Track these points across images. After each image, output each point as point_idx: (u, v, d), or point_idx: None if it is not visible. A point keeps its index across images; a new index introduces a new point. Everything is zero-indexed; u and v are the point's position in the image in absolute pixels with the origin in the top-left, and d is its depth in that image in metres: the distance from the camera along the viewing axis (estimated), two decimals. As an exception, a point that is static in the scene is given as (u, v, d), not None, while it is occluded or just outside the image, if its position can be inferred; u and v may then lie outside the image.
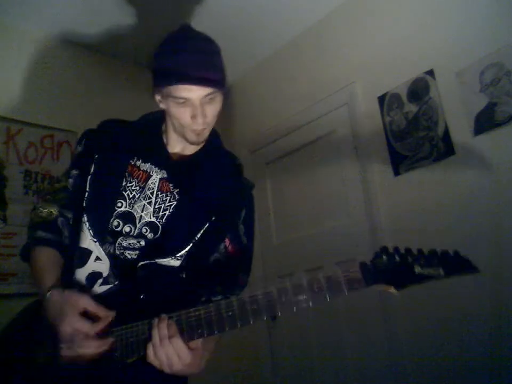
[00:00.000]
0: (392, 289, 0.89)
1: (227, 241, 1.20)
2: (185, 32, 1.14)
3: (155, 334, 0.94)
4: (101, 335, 0.98)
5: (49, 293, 1.03)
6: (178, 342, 0.93)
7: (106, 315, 0.99)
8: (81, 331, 0.96)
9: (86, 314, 0.99)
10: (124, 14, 2.49)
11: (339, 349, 2.39)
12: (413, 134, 2.19)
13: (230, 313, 0.94)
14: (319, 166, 2.64)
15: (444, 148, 2.06)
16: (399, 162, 2.22)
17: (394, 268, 0.89)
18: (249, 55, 2.98)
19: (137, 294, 1.06)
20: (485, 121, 1.93)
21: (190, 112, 1.09)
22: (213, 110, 1.12)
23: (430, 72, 2.14)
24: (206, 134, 1.16)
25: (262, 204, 2.96)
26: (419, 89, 2.18)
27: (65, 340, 0.97)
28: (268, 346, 2.77)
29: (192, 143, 1.16)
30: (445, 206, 2.00)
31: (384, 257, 0.89)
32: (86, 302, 1.00)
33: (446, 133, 2.05)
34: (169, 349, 0.92)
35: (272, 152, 2.96)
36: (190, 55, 1.07)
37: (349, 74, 2.49)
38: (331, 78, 2.59)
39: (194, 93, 1.06)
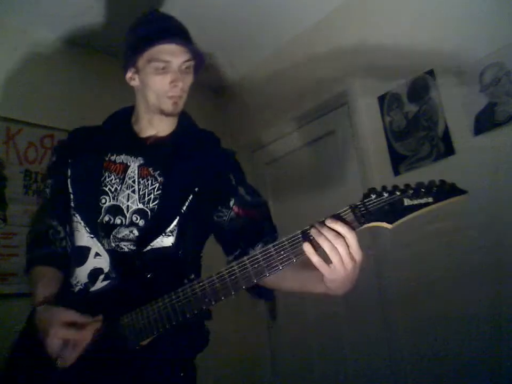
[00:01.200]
0: (385, 225, 0.89)
1: (235, 208, 1.20)
2: (156, 11, 1.26)
3: (322, 238, 0.87)
4: (93, 343, 0.98)
5: (37, 308, 1.05)
6: (352, 235, 0.87)
7: (93, 321, 1.00)
8: (68, 338, 0.97)
9: (73, 326, 0.99)
10: (124, 14, 2.49)
11: (339, 349, 2.39)
12: (413, 134, 2.19)
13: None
14: (319, 166, 2.64)
15: (444, 148, 2.06)
16: (399, 162, 2.22)
17: (383, 205, 0.89)
18: (249, 55, 2.98)
19: (137, 281, 1.07)
20: (485, 121, 1.93)
21: (169, 78, 1.14)
22: (187, 79, 1.18)
23: (430, 72, 2.13)
24: (181, 105, 1.20)
25: (262, 203, 2.96)
26: (419, 89, 2.17)
27: (55, 352, 0.97)
28: (268, 346, 2.78)
29: (168, 114, 1.19)
30: (445, 206, 2.00)
31: (373, 196, 0.89)
32: (70, 314, 1.00)
33: (446, 133, 2.05)
34: (342, 249, 0.87)
35: (272, 152, 2.96)
36: (167, 21, 1.17)
37: (349, 74, 2.49)
38: (331, 78, 2.59)
39: (175, 56, 1.13)
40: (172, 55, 1.13)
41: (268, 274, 0.93)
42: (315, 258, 0.88)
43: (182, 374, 1.09)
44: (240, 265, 0.95)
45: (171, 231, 1.12)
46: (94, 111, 2.55)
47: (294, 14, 2.62)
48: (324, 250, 0.89)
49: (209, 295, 0.97)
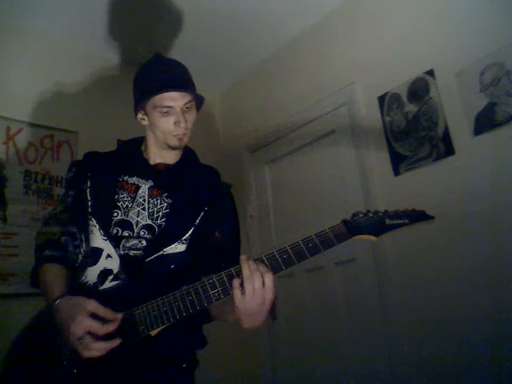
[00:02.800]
0: (371, 237, 1.11)
1: (217, 234, 1.34)
2: (159, 57, 1.38)
3: (246, 267, 1.04)
4: (108, 337, 1.04)
5: (57, 302, 1.11)
6: (270, 275, 1.05)
7: (114, 317, 1.07)
8: (91, 331, 1.03)
9: (95, 317, 1.06)
10: (124, 16, 2.49)
11: (339, 349, 2.39)
12: (413, 134, 2.19)
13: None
14: (319, 166, 2.64)
15: (444, 148, 2.06)
16: (399, 162, 2.22)
17: (370, 222, 1.11)
18: (249, 55, 2.98)
19: (146, 282, 1.16)
20: (485, 121, 1.93)
21: (173, 119, 1.29)
22: (190, 117, 1.33)
23: (430, 72, 2.14)
24: (186, 139, 1.35)
25: (262, 203, 2.97)
26: (419, 89, 2.18)
27: (74, 341, 1.03)
28: (268, 346, 2.77)
29: (174, 148, 1.35)
30: (445, 206, 2.00)
31: (361, 215, 1.12)
32: (94, 305, 1.07)
33: (446, 133, 2.06)
34: (256, 281, 1.03)
35: (272, 152, 2.96)
36: (168, 70, 1.31)
37: (349, 74, 2.49)
38: (331, 78, 2.59)
39: (176, 101, 1.28)
40: (174, 101, 1.28)
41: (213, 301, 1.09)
42: (235, 289, 1.05)
43: (184, 365, 1.20)
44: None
45: (186, 239, 1.26)
46: (94, 111, 2.57)
47: (294, 14, 2.62)
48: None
49: (219, 288, 1.09)
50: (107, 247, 1.23)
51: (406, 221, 1.14)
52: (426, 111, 2.14)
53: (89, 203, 1.29)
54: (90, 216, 1.28)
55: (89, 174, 1.34)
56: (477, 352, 1.84)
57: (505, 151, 1.86)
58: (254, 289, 1.03)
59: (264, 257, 1.08)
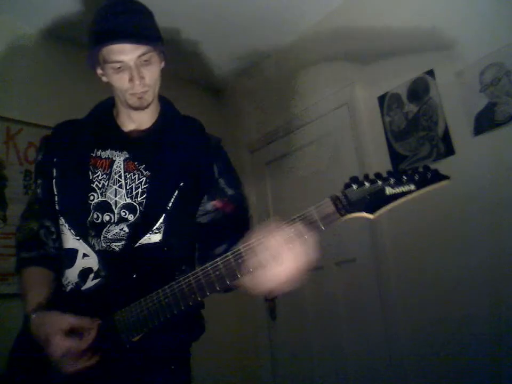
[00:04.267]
0: (367, 215, 0.89)
1: (213, 202, 1.19)
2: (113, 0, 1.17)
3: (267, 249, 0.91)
4: (93, 345, 0.98)
5: (31, 316, 1.04)
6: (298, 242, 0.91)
7: (91, 325, 1.00)
8: (71, 350, 0.96)
9: (72, 331, 0.99)
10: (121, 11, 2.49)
11: (339, 349, 2.39)
12: (413, 134, 2.19)
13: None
14: (319, 166, 2.64)
15: (443, 148, 2.06)
16: (399, 162, 2.22)
17: (365, 195, 0.89)
18: (249, 55, 2.98)
19: (127, 278, 1.06)
20: (485, 121, 1.93)
21: (127, 76, 1.11)
22: (150, 71, 1.13)
23: (430, 72, 2.13)
24: (149, 97, 1.16)
25: (262, 203, 2.97)
26: (419, 89, 2.17)
27: (56, 360, 0.97)
28: (268, 346, 2.77)
29: (135, 108, 1.17)
30: (445, 206, 2.00)
31: (354, 185, 0.90)
32: (68, 322, 0.99)
33: (446, 133, 2.05)
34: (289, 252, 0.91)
35: (272, 152, 2.96)
36: (119, 15, 1.11)
37: (349, 74, 2.49)
38: (331, 78, 2.59)
39: (127, 54, 1.09)
40: (123, 53, 1.09)
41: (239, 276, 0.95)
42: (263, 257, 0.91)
43: (172, 367, 1.09)
44: (224, 260, 0.96)
45: (158, 228, 1.11)
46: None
47: (294, 14, 2.62)
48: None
49: (196, 290, 0.97)
50: (81, 247, 1.11)
51: (412, 187, 0.88)
52: (426, 111, 2.14)
53: (56, 198, 1.15)
54: (59, 215, 1.15)
55: (55, 159, 1.18)
56: (477, 352, 1.84)
57: (505, 151, 1.86)
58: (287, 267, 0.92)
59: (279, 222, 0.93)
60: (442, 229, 2.02)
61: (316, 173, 2.64)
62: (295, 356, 2.61)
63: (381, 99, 2.33)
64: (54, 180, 1.17)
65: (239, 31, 2.71)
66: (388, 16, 2.35)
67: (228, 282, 0.95)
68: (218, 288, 0.97)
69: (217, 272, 0.96)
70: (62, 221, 1.15)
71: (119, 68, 1.11)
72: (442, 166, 2.02)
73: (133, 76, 1.11)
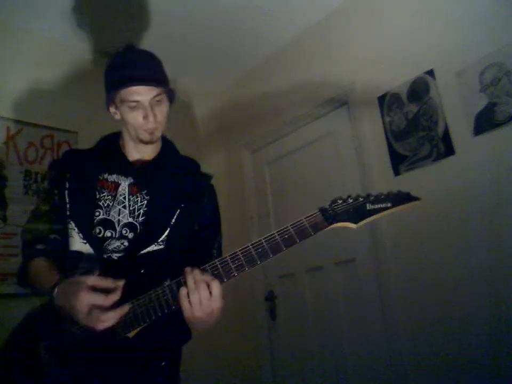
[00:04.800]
0: (350, 225, 1.07)
1: (197, 227, 1.34)
2: (129, 48, 1.36)
3: (190, 278, 1.03)
4: (116, 305, 1.05)
5: (55, 288, 1.10)
6: (216, 284, 1.03)
7: (116, 284, 1.07)
8: (96, 304, 1.02)
9: (96, 290, 1.05)
10: (122, 14, 2.49)
11: (339, 349, 2.39)
12: (413, 134, 2.19)
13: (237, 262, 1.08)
14: (319, 166, 2.64)
15: (443, 148, 2.06)
16: (399, 162, 2.22)
17: (349, 208, 1.07)
18: (249, 54, 2.98)
19: (127, 277, 1.13)
20: (485, 121, 1.93)
21: (142, 114, 1.26)
22: (161, 110, 1.30)
23: (430, 72, 2.14)
24: (159, 133, 1.32)
25: (262, 203, 2.97)
26: (419, 89, 2.18)
27: (84, 318, 1.03)
28: (268, 346, 2.77)
29: (146, 142, 1.31)
30: (445, 206, 2.00)
31: (340, 201, 1.08)
32: (92, 279, 1.06)
33: (446, 133, 2.06)
34: (202, 292, 1.02)
35: (272, 152, 2.96)
36: (135, 63, 1.28)
37: (349, 74, 2.49)
38: (331, 78, 2.59)
39: (143, 95, 1.25)
40: (140, 95, 1.25)
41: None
42: (182, 299, 1.04)
43: (163, 363, 1.19)
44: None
45: (162, 241, 1.25)
46: (94, 111, 2.56)
47: (294, 14, 2.62)
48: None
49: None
50: (86, 250, 1.22)
51: (389, 204, 1.06)
52: (426, 111, 2.14)
53: (67, 206, 1.28)
54: (69, 220, 1.26)
55: (67, 175, 1.32)
56: (477, 352, 1.84)
57: (505, 151, 1.86)
58: (200, 301, 1.02)
59: (208, 267, 1.06)
60: (442, 229, 2.02)
61: (316, 173, 2.65)
62: (295, 356, 2.62)
63: (381, 99, 2.33)
64: (66, 191, 1.29)
65: (239, 30, 2.71)
66: (388, 15, 2.36)
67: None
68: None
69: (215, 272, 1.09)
70: (72, 225, 1.25)
71: (135, 106, 1.26)
72: (442, 166, 2.05)
73: (147, 113, 1.26)
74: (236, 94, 3.25)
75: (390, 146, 2.27)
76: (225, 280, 1.05)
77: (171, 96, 1.35)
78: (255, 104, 3.06)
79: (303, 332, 2.59)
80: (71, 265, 1.21)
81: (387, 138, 2.29)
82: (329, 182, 2.54)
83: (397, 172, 2.22)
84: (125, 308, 1.06)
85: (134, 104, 1.25)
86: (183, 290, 1.04)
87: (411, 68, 2.20)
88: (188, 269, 1.05)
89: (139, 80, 1.24)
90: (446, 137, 2.05)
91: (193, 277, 1.04)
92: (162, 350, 1.20)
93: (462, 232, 1.95)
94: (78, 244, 1.23)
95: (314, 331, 2.53)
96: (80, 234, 1.23)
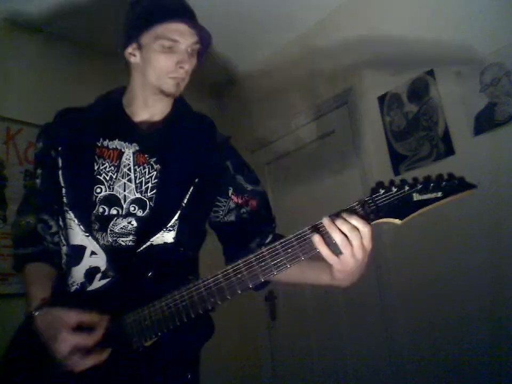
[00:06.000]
0: (395, 221, 0.88)
1: (233, 197, 1.17)
2: None
3: (335, 231, 0.87)
4: (101, 344, 0.94)
5: (34, 313, 1.00)
6: (367, 228, 0.87)
7: (100, 320, 0.95)
8: (79, 346, 0.92)
9: (79, 328, 0.95)
10: (122, 15, 2.49)
11: (339, 349, 2.39)
12: (413, 134, 2.19)
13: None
14: (319, 166, 2.64)
15: (444, 148, 2.06)
16: (399, 162, 2.22)
17: (393, 200, 0.88)
18: (249, 54, 2.98)
19: (138, 278, 1.01)
20: (485, 121, 1.93)
21: (176, 59, 1.09)
22: (193, 62, 1.14)
23: (430, 72, 2.13)
24: (182, 87, 1.15)
25: (262, 203, 2.97)
26: (419, 89, 2.17)
27: (62, 359, 0.92)
28: (268, 346, 2.77)
29: (168, 94, 1.13)
30: (445, 206, 2.00)
31: (381, 190, 0.89)
32: (75, 317, 0.95)
33: (446, 133, 2.05)
34: (355, 242, 0.87)
35: (272, 152, 2.96)
36: (178, 0, 1.12)
37: (349, 74, 2.49)
38: (331, 78, 2.59)
39: (184, 37, 1.09)
40: (181, 35, 1.09)
41: (275, 273, 0.91)
42: (324, 250, 0.88)
43: (189, 376, 1.04)
44: (246, 263, 0.93)
45: (172, 226, 1.06)
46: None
47: (294, 14, 2.62)
48: (332, 242, 0.88)
49: (215, 294, 0.93)
50: (90, 243, 1.05)
51: (440, 194, 0.88)
52: (426, 111, 2.14)
53: (64, 190, 1.08)
54: (67, 209, 1.07)
55: (59, 148, 1.12)
56: (477, 352, 1.84)
57: (505, 151, 1.86)
58: (353, 251, 0.87)
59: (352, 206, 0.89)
60: (442, 229, 2.02)
61: (316, 173, 2.65)
62: (295, 356, 2.61)
63: (381, 99, 2.33)
64: (60, 171, 1.10)
65: (239, 30, 2.71)
66: (388, 15, 2.36)
67: (249, 286, 0.93)
68: (239, 292, 0.93)
69: (239, 275, 0.93)
70: (70, 215, 1.07)
71: (171, 48, 1.09)
72: (442, 166, 2.04)
73: (182, 59, 1.10)
74: (236, 93, 3.25)
75: (390, 146, 2.27)
76: (371, 220, 0.88)
77: (201, 52, 1.19)
78: (255, 103, 3.06)
79: (303, 332, 2.59)
80: (74, 261, 1.06)
81: (387, 138, 2.29)
82: (329, 182, 2.54)
83: (397, 172, 2.22)
84: (107, 352, 0.92)
85: (171, 44, 1.08)
86: (319, 243, 0.87)
87: (411, 68, 2.20)
88: (326, 221, 0.88)
89: (185, 18, 1.09)
90: (446, 137, 2.05)
91: (338, 228, 0.87)
92: (185, 359, 1.04)
93: (462, 232, 1.95)
94: (80, 237, 1.05)
95: (314, 331, 2.53)
96: (81, 226, 1.05)
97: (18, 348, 1.06)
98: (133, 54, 1.14)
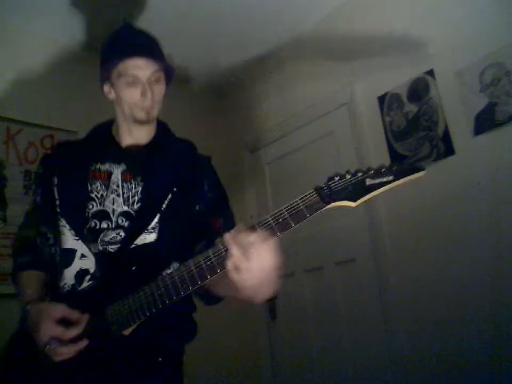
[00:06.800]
0: (349, 203, 0.96)
1: (200, 210, 1.28)
2: (127, 24, 1.33)
3: (234, 247, 0.92)
4: (76, 339, 1.04)
5: (26, 307, 1.12)
6: (265, 245, 0.92)
7: (81, 317, 1.06)
8: (55, 336, 1.03)
9: (63, 321, 1.06)
10: (123, 13, 2.49)
11: (339, 349, 2.39)
12: (413, 134, 2.19)
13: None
14: (319, 166, 2.64)
15: (443, 148, 2.06)
16: (399, 162, 2.22)
17: (346, 185, 0.97)
18: (248, 54, 2.98)
19: (121, 274, 1.13)
20: (485, 121, 1.93)
21: (139, 90, 1.22)
22: (159, 89, 1.26)
23: (430, 72, 2.13)
24: (155, 113, 1.27)
25: (262, 203, 2.97)
26: (419, 89, 2.18)
27: (42, 348, 1.03)
28: (268, 346, 2.78)
29: (142, 122, 1.26)
30: (445, 206, 2.00)
31: (336, 178, 0.98)
32: (60, 310, 1.07)
33: (446, 133, 2.06)
34: (254, 259, 0.91)
35: (272, 152, 2.96)
36: (134, 36, 1.26)
37: (349, 74, 2.49)
38: (331, 78, 2.59)
39: (142, 69, 1.21)
40: (139, 69, 1.21)
41: (199, 282, 1.01)
42: (232, 272, 0.93)
43: (160, 359, 1.14)
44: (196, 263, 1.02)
45: (153, 228, 1.19)
46: (94, 111, 2.56)
47: (294, 14, 2.62)
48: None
49: (186, 281, 1.02)
50: (80, 247, 1.19)
51: (391, 177, 0.95)
52: (426, 111, 2.14)
53: (57, 202, 1.24)
54: (60, 217, 1.23)
55: (56, 171, 1.28)
56: (477, 352, 1.84)
57: (505, 151, 1.86)
58: (251, 268, 0.91)
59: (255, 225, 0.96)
60: (442, 228, 2.02)
61: (316, 173, 2.64)
62: (295, 355, 2.62)
63: (381, 99, 2.33)
64: (55, 187, 1.25)
65: (239, 30, 2.71)
66: (388, 15, 2.36)
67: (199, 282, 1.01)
68: (208, 277, 1.00)
69: (197, 269, 1.01)
70: (62, 222, 1.22)
71: (133, 82, 1.21)
72: (442, 166, 2.05)
73: (145, 90, 1.21)
74: (236, 93, 3.25)
75: (390, 146, 2.27)
76: (278, 233, 0.95)
77: (169, 75, 1.30)
78: (255, 104, 3.06)
79: (303, 332, 2.59)
80: (65, 263, 1.19)
81: (387, 138, 2.29)
82: (329, 182, 2.54)
83: (397, 172, 2.22)
84: (83, 343, 1.03)
85: (131, 79, 1.21)
86: (228, 263, 0.93)
87: (411, 68, 2.20)
88: (226, 235, 0.94)
89: (139, 52, 1.21)
90: (446, 137, 2.05)
91: (238, 243, 0.92)
92: (161, 348, 1.15)
93: (462, 232, 1.95)
94: (71, 241, 1.20)
95: (314, 331, 2.53)
96: (72, 231, 1.20)
97: (18, 348, 1.15)
98: (109, 92, 1.30)
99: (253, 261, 0.91)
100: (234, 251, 0.92)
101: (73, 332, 1.04)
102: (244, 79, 3.18)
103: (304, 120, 2.73)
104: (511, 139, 1.85)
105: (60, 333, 1.03)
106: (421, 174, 0.96)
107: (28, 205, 1.39)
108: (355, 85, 2.47)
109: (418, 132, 2.16)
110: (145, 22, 2.57)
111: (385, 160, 2.27)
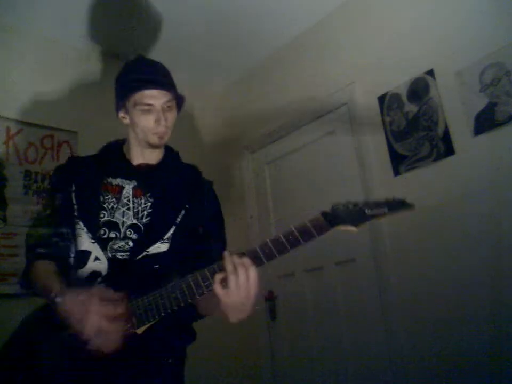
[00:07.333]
0: (351, 228, 1.13)
1: (200, 231, 1.38)
2: (140, 57, 1.43)
3: (229, 261, 1.06)
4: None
5: (59, 297, 1.10)
6: (254, 269, 1.05)
7: (121, 296, 1.10)
8: (108, 314, 1.05)
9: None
10: (124, 13, 2.49)
11: (339, 349, 2.39)
12: (413, 134, 2.19)
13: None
14: (319, 166, 2.64)
15: (443, 148, 2.06)
16: (399, 162, 2.22)
17: (349, 212, 1.13)
18: (249, 55, 2.98)
19: (132, 282, 1.18)
20: (485, 121, 1.93)
21: (154, 117, 1.32)
22: (172, 115, 1.36)
23: (430, 72, 2.14)
24: (167, 137, 1.37)
25: (262, 203, 2.97)
26: (419, 89, 2.18)
27: (92, 329, 1.03)
28: (268, 346, 2.78)
29: (155, 146, 1.37)
30: (445, 206, 2.00)
31: (340, 206, 1.14)
32: (99, 291, 1.09)
33: (446, 133, 2.06)
34: (241, 275, 1.04)
35: (272, 152, 2.96)
36: (149, 68, 1.35)
37: (349, 74, 2.49)
38: (331, 78, 2.59)
39: (157, 99, 1.31)
40: (154, 98, 1.30)
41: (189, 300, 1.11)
42: (218, 284, 1.06)
43: (169, 361, 1.22)
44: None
45: (168, 238, 1.29)
46: (94, 111, 2.56)
47: (294, 14, 2.62)
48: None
49: (200, 287, 1.10)
50: (95, 250, 1.25)
51: (386, 210, 1.14)
52: (426, 111, 2.14)
53: (75, 207, 1.31)
54: (77, 220, 1.30)
55: (73, 179, 1.36)
56: (477, 352, 1.84)
57: (505, 151, 1.86)
58: (238, 283, 1.04)
59: (245, 252, 1.09)
60: (442, 229, 2.02)
61: (316, 173, 2.65)
62: (295, 356, 2.62)
63: (381, 99, 2.33)
64: (73, 193, 1.33)
65: (239, 31, 2.71)
66: (387, 16, 2.36)
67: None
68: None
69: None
70: (80, 225, 1.29)
71: (148, 110, 1.31)
72: (442, 166, 2.05)
73: (159, 117, 1.31)
74: (236, 94, 3.25)
75: (390, 146, 2.27)
76: (265, 261, 1.08)
77: (180, 103, 1.41)
78: (255, 104, 3.06)
79: (303, 332, 2.59)
80: (79, 264, 1.24)
81: (387, 138, 2.29)
82: (329, 182, 2.54)
83: (397, 172, 2.22)
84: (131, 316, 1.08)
85: (147, 107, 1.30)
86: (218, 276, 1.06)
87: (411, 68, 2.20)
88: (226, 253, 1.08)
89: (155, 84, 1.31)
90: (446, 137, 2.05)
91: (232, 260, 1.06)
92: (168, 348, 1.22)
93: (462, 232, 1.95)
94: (87, 243, 1.26)
95: (314, 331, 2.53)
96: (89, 234, 1.27)
97: (18, 348, 1.16)
98: (124, 117, 1.39)
99: (240, 277, 1.03)
100: (227, 266, 1.05)
101: (121, 308, 1.07)
102: (244, 78, 3.18)
103: (304, 120, 2.73)
104: (511, 139, 1.85)
105: (111, 311, 1.05)
106: (409, 209, 1.16)
107: (41, 208, 1.43)
108: (355, 85, 2.47)
109: (418, 132, 2.16)
110: (146, 23, 2.57)
111: (385, 160, 2.27)
